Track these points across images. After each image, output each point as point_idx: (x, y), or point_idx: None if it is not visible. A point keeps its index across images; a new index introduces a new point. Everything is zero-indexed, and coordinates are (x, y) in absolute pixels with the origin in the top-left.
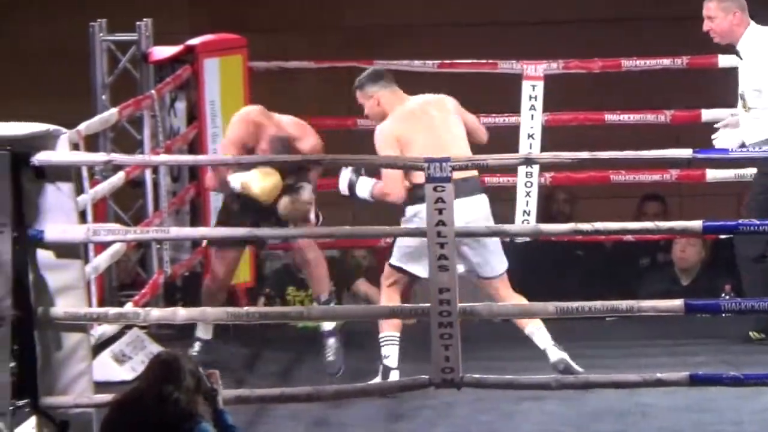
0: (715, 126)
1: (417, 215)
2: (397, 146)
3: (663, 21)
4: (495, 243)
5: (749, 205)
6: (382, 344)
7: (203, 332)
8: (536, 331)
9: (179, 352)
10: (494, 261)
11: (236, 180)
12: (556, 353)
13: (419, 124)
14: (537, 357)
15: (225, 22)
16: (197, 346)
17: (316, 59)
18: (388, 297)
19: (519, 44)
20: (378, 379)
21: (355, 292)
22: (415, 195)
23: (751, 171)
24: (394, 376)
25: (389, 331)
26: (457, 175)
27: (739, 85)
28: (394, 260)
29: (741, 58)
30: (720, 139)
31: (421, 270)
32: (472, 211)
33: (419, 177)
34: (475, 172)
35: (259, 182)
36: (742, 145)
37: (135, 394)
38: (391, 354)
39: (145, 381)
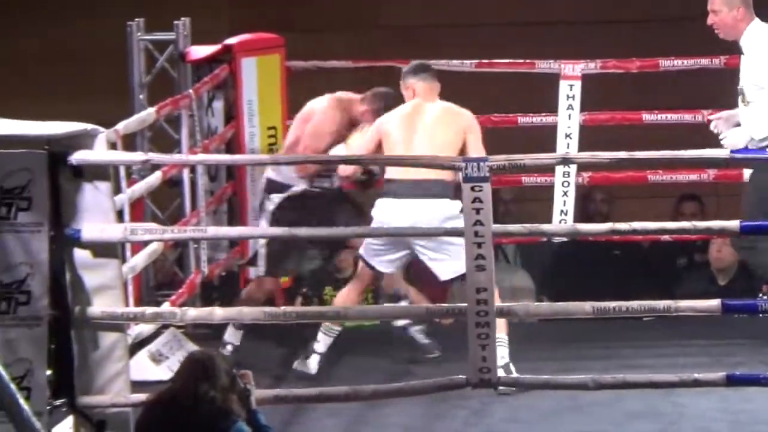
0: (709, 118)
1: (380, 208)
2: (377, 135)
3: (699, 21)
4: (455, 248)
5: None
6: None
7: (233, 337)
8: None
9: (213, 351)
10: (450, 265)
11: None
12: None
13: (407, 122)
14: (574, 357)
15: (263, 22)
16: (228, 348)
17: (355, 59)
18: (348, 289)
19: (560, 44)
20: (300, 359)
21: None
22: (385, 189)
23: None
24: (314, 360)
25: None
26: (412, 175)
27: (739, 80)
28: (361, 250)
29: (743, 54)
30: (728, 138)
31: (383, 266)
32: (414, 215)
33: (391, 172)
34: (439, 176)
35: None
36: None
37: (170, 393)
38: (322, 341)
39: (180, 380)
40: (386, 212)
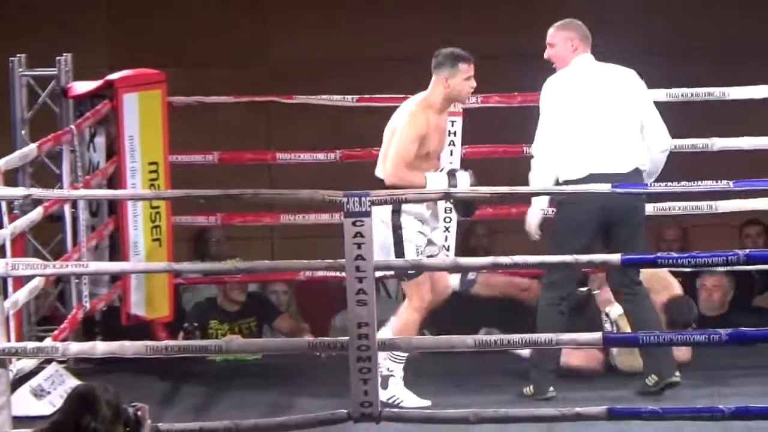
0: None
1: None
2: None
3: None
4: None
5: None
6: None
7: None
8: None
9: (95, 384)
10: None
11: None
12: None
13: None
14: (456, 391)
15: (145, 57)
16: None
17: (238, 94)
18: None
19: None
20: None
21: (278, 328)
22: None
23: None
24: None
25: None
26: None
27: None
28: None
29: None
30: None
31: None
32: None
33: None
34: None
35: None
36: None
37: (53, 427)
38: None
39: (63, 414)
40: None
